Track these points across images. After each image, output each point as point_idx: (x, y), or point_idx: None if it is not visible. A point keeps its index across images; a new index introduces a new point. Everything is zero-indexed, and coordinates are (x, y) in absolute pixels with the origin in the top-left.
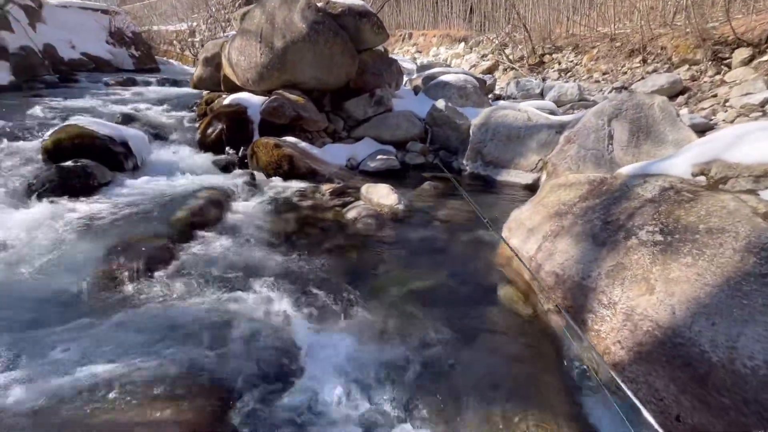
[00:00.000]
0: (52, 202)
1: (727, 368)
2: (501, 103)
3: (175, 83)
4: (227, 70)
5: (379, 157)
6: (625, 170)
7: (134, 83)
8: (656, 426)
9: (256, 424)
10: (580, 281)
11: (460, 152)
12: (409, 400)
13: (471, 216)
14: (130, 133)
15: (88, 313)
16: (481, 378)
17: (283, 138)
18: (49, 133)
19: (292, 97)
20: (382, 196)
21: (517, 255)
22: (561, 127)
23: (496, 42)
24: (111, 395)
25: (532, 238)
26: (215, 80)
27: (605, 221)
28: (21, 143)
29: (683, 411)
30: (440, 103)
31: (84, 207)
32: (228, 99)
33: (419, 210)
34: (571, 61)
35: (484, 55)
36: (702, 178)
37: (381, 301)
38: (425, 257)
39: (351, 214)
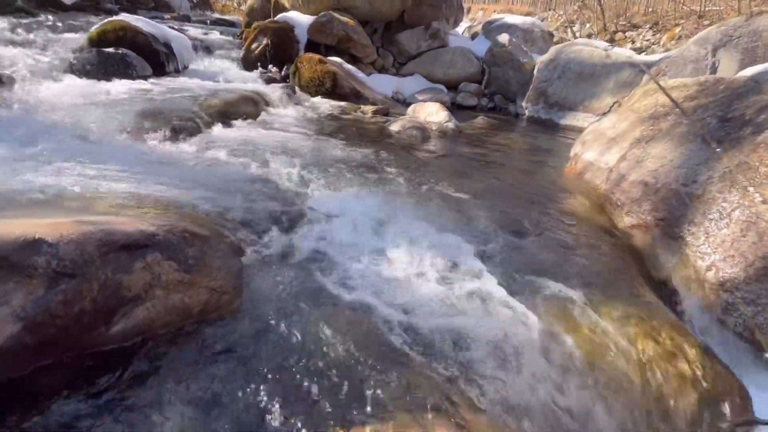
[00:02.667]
0: (88, 80)
1: None
2: (576, 39)
3: (227, 22)
4: None
5: (428, 92)
6: (749, 70)
7: (189, 20)
8: None
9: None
10: (679, 188)
11: (519, 97)
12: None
13: (532, 144)
14: (174, 35)
15: (113, 157)
16: (553, 274)
17: (329, 57)
18: (96, 26)
19: (343, 18)
20: (431, 113)
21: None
22: (648, 66)
23: (563, 18)
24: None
25: (614, 148)
26: (266, 11)
27: (723, 119)
28: (72, 34)
29: None
30: (504, 37)
31: (118, 88)
32: (276, 17)
33: (471, 134)
34: (648, 40)
35: (551, 33)
36: None
37: (427, 194)
38: (479, 169)
39: (395, 127)
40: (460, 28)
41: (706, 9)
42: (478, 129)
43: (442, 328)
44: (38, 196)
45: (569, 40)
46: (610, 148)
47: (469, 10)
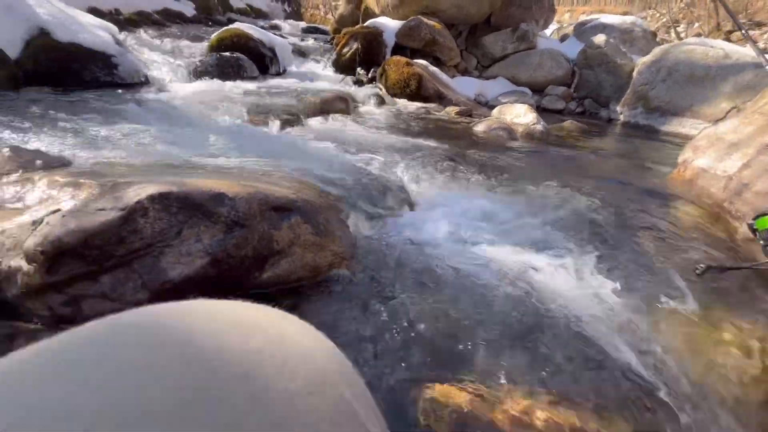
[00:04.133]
0: (210, 80)
1: None
2: (686, 39)
3: (318, 30)
4: None
5: (511, 95)
6: None
7: (277, 27)
8: None
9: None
10: None
11: (613, 101)
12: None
13: (629, 149)
14: (278, 41)
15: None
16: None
17: (415, 60)
18: (215, 34)
19: (430, 21)
20: (518, 115)
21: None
22: None
23: (666, 18)
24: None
25: (735, 154)
26: (355, 18)
27: None
28: (198, 43)
29: None
30: (600, 38)
31: (235, 86)
32: (366, 23)
33: (561, 136)
34: None
35: (653, 33)
36: None
37: (522, 192)
38: (573, 171)
39: (480, 128)
40: (548, 31)
41: None
42: (567, 132)
43: (548, 313)
44: (201, 164)
45: (671, 42)
46: (729, 154)
47: (555, 12)
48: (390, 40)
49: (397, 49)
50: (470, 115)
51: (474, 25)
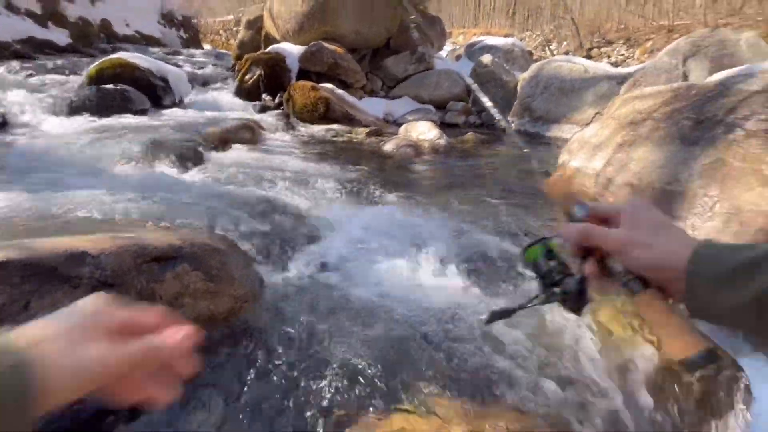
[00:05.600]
0: (89, 116)
1: None
2: (555, 57)
3: (219, 56)
4: (268, 23)
5: (417, 113)
6: (717, 76)
7: (178, 53)
8: None
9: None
10: (663, 187)
11: (505, 112)
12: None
13: (520, 155)
14: (170, 69)
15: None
16: None
17: (321, 84)
18: (94, 63)
19: (331, 46)
20: (423, 132)
21: None
22: (623, 78)
23: (540, 38)
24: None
25: (599, 154)
26: (256, 43)
27: (697, 120)
28: (72, 76)
29: None
30: (486, 58)
31: (119, 122)
32: (267, 49)
33: (462, 149)
34: (622, 55)
35: (529, 52)
36: None
37: (425, 206)
38: (473, 180)
39: (388, 147)
40: (444, 52)
41: (675, 23)
42: (468, 144)
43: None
44: (69, 218)
45: (547, 58)
46: (595, 154)
47: (450, 33)
48: (293, 65)
49: (302, 74)
50: (380, 134)
51: (375, 49)
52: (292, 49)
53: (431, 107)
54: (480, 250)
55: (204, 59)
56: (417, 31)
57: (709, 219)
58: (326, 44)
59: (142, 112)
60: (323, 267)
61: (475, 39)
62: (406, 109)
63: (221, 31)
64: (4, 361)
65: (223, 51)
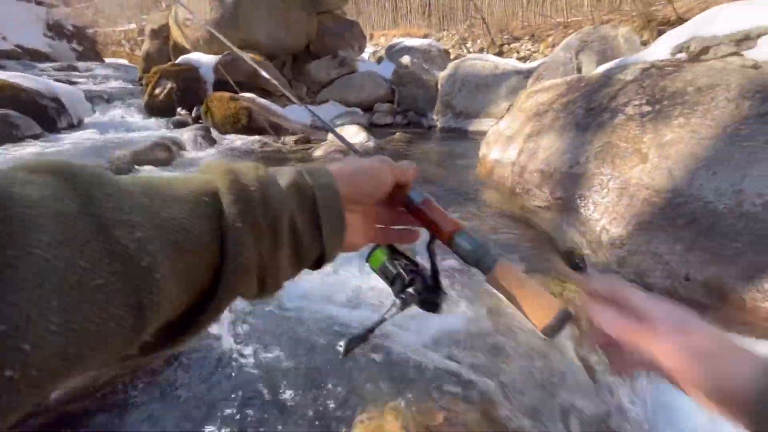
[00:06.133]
0: None
1: (735, 212)
2: (468, 55)
3: (123, 69)
4: (175, 32)
5: (345, 116)
6: (601, 68)
7: (74, 69)
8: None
9: None
10: (567, 171)
11: (429, 111)
12: None
13: (446, 151)
14: (62, 87)
15: None
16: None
17: (241, 94)
18: None
19: (248, 54)
20: (351, 135)
21: None
22: (529, 72)
23: (457, 37)
24: None
25: (512, 145)
26: (164, 54)
27: (588, 108)
28: None
29: (692, 269)
30: (405, 59)
31: (3, 152)
32: (177, 60)
33: (392, 149)
34: (529, 50)
35: (445, 51)
36: (682, 55)
37: None
38: None
39: (318, 153)
40: (366, 54)
41: (569, 20)
42: (396, 143)
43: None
44: None
45: (464, 56)
46: (509, 145)
47: (371, 36)
48: (208, 76)
49: (220, 85)
50: (308, 142)
51: (295, 55)
52: (205, 59)
53: (358, 110)
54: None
55: (105, 73)
56: (336, 35)
57: (605, 195)
58: (242, 52)
59: (33, 138)
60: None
61: (395, 41)
62: (333, 114)
63: (123, 42)
64: (326, 177)
65: (128, 63)
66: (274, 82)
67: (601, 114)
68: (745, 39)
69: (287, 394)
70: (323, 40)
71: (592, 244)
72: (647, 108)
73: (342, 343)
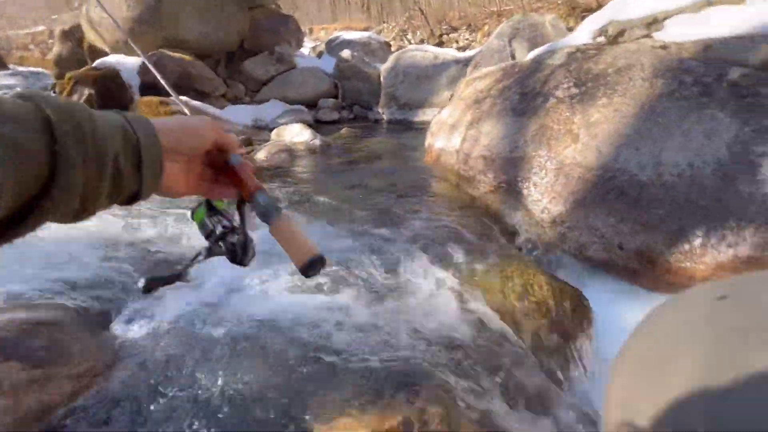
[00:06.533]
0: None
1: (657, 183)
2: (408, 46)
3: (32, 76)
4: (89, 33)
5: (289, 114)
6: (532, 54)
7: None
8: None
9: None
10: (508, 155)
11: (374, 104)
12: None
13: (394, 143)
14: None
15: None
16: (426, 252)
17: (171, 98)
18: None
19: (176, 54)
20: (296, 134)
21: None
22: (467, 61)
23: (397, 29)
24: None
25: (455, 133)
26: (79, 57)
27: (522, 94)
28: None
29: (624, 238)
30: (346, 53)
31: None
32: (95, 63)
33: (339, 146)
34: (467, 39)
35: (389, 44)
36: (602, 38)
37: (307, 209)
38: (352, 174)
39: (261, 155)
40: (305, 50)
41: (502, 9)
42: (344, 139)
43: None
44: None
45: (406, 48)
46: (452, 133)
47: (311, 30)
48: (133, 80)
49: (147, 88)
50: (250, 144)
51: (230, 53)
52: (127, 62)
53: (303, 107)
54: (362, 246)
55: (12, 81)
56: (271, 31)
57: (544, 176)
58: (169, 52)
59: None
60: (188, 309)
61: (335, 35)
62: (276, 112)
63: (31, 46)
64: (149, 129)
65: (38, 69)
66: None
67: (535, 98)
68: (654, 22)
69: (232, 411)
70: (258, 37)
71: (536, 223)
72: (575, 90)
73: (142, 279)
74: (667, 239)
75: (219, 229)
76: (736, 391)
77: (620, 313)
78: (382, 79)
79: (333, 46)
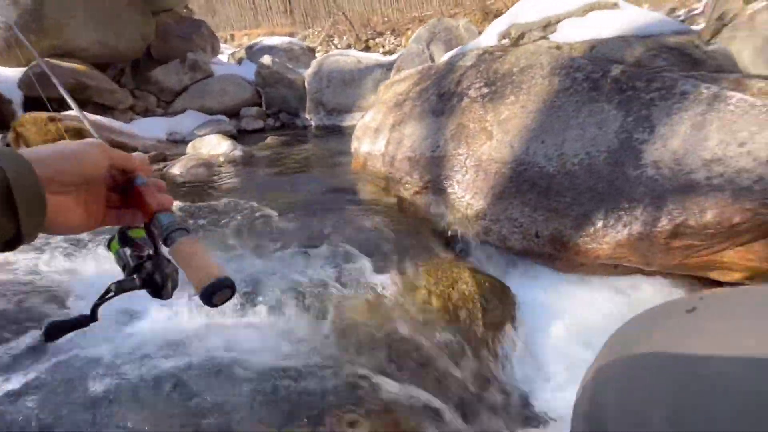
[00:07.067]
0: None
1: (561, 172)
2: (332, 51)
3: None
4: None
5: (208, 126)
6: (446, 55)
7: None
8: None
9: None
10: (431, 155)
11: (301, 110)
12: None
13: (322, 149)
14: None
15: None
16: (353, 260)
17: (64, 113)
18: None
19: (66, 64)
20: (214, 146)
21: None
22: (390, 65)
23: (323, 34)
24: None
25: (380, 136)
26: None
27: (439, 95)
28: None
29: (539, 226)
30: (266, 59)
31: None
32: None
33: (264, 155)
34: (393, 43)
35: (313, 49)
36: (506, 41)
37: (223, 225)
38: (278, 185)
39: (175, 170)
40: (224, 56)
41: (423, 14)
42: (269, 148)
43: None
44: None
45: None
46: (377, 137)
47: (233, 36)
48: (13, 94)
49: (34, 104)
50: (164, 159)
51: (136, 61)
52: (5, 74)
53: (223, 117)
54: (284, 262)
55: None
56: (182, 37)
57: (465, 173)
58: (58, 61)
59: None
60: (79, 347)
61: (255, 40)
62: (194, 124)
63: None
64: (19, 162)
65: None
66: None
67: (451, 99)
68: (548, 25)
69: None
70: (167, 43)
71: (462, 219)
72: (486, 90)
73: (43, 326)
74: (575, 224)
75: (133, 261)
76: (700, 397)
77: (540, 296)
78: (306, 84)
79: (253, 52)
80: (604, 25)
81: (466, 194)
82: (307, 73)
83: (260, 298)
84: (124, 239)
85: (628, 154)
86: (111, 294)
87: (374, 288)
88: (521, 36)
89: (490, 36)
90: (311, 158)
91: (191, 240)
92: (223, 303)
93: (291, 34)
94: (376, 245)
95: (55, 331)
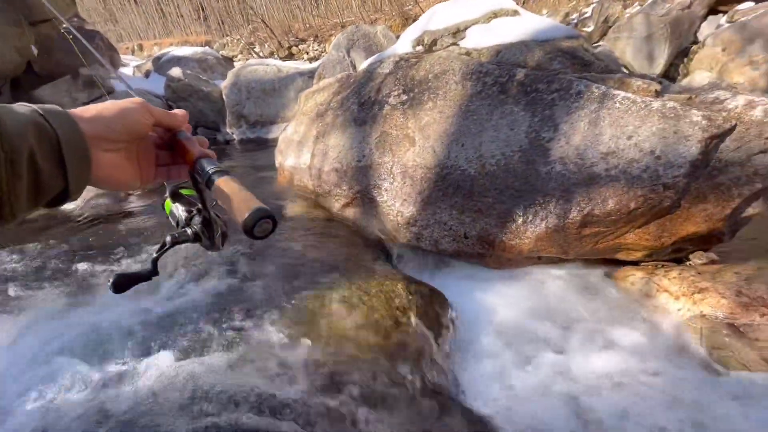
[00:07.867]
0: None
1: (482, 173)
2: (249, 61)
3: None
4: None
5: None
6: (365, 63)
7: None
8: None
9: None
10: (357, 165)
11: (222, 124)
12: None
13: (247, 164)
14: None
15: None
16: (293, 277)
17: None
18: None
19: None
20: None
21: None
22: (312, 73)
23: (243, 42)
24: None
25: (304, 149)
26: None
27: (360, 103)
28: None
29: (467, 228)
30: (176, 71)
31: None
32: None
33: None
34: (317, 50)
35: (233, 57)
36: (420, 48)
37: (129, 256)
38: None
39: (70, 205)
40: (129, 69)
41: (344, 20)
42: None
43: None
44: None
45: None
46: (301, 150)
47: (141, 46)
48: None
49: None
50: None
51: (15, 79)
52: None
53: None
54: (203, 294)
55: None
56: (71, 50)
57: (393, 181)
58: None
59: None
60: None
61: (163, 51)
62: None
63: None
64: (67, 120)
65: None
66: None
67: (372, 107)
68: (458, 31)
69: None
70: (53, 58)
71: (394, 227)
72: (405, 96)
73: (111, 278)
74: (499, 222)
75: (184, 216)
76: None
77: (473, 294)
78: (224, 96)
79: (161, 64)
80: (507, 32)
81: (396, 202)
82: (224, 84)
83: (169, 341)
84: (176, 196)
85: (538, 152)
86: (167, 247)
87: (303, 311)
88: (434, 42)
89: (404, 43)
90: (237, 173)
91: (229, 179)
92: (265, 235)
93: (207, 43)
94: (306, 265)
95: (124, 282)
